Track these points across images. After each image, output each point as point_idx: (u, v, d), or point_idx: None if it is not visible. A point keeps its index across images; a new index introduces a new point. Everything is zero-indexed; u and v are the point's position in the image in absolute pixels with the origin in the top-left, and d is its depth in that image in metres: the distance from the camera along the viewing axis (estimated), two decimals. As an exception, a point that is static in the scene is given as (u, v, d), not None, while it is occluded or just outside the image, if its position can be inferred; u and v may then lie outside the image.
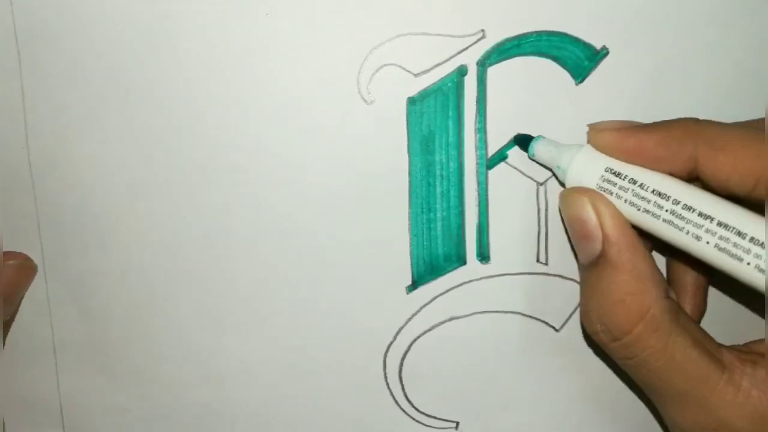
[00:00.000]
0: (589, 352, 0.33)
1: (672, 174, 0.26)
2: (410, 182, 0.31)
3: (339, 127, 0.30)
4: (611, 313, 0.26)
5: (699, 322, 0.32)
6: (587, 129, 0.28)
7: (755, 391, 0.24)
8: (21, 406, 0.33)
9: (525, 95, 0.30)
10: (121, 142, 0.30)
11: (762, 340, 0.26)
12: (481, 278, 0.32)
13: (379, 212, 0.31)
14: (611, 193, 0.27)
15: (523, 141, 0.30)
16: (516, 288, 0.32)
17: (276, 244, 0.31)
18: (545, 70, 0.30)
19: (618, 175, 0.27)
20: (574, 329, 0.33)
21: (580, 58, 0.30)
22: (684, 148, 0.26)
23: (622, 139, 0.27)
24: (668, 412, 0.27)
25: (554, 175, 0.30)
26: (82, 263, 0.32)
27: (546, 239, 0.32)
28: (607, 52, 0.30)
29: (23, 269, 0.31)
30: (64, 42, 0.29)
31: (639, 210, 0.26)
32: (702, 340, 0.26)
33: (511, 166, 0.31)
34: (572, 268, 0.32)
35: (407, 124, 0.30)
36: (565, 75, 0.30)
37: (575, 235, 0.27)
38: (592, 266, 0.27)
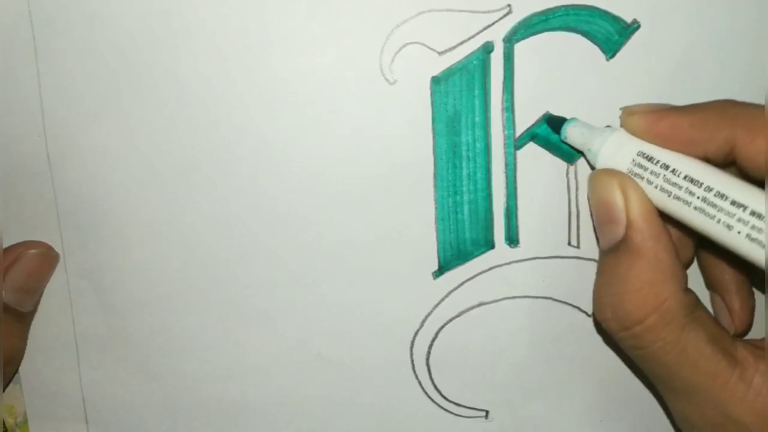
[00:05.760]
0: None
1: (707, 158, 0.26)
2: (435, 164, 0.30)
3: (361, 109, 0.29)
4: (625, 300, 0.25)
5: (751, 319, 0.31)
6: (620, 112, 0.28)
7: (767, 388, 0.24)
8: (43, 400, 0.33)
9: (554, 72, 0.30)
10: (140, 132, 0.30)
11: None
12: (510, 262, 0.31)
13: (404, 196, 0.30)
14: (642, 178, 0.26)
15: (555, 123, 0.29)
16: (546, 272, 0.32)
17: (299, 230, 0.31)
18: (574, 45, 0.29)
19: (650, 159, 0.26)
20: None
21: (610, 33, 0.29)
22: (720, 131, 0.25)
23: (654, 121, 0.26)
24: (675, 405, 0.26)
25: (585, 158, 0.30)
26: (102, 254, 0.31)
27: (577, 221, 0.31)
28: (639, 26, 0.29)
29: (46, 258, 0.31)
30: (80, 30, 0.29)
31: (670, 196, 0.25)
32: (717, 335, 0.25)
33: (539, 145, 0.30)
34: (604, 251, 0.31)
35: (432, 104, 0.30)
36: (595, 50, 0.30)
37: (600, 218, 0.27)
38: (612, 251, 0.26)
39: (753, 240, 0.23)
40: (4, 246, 0.30)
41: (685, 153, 0.26)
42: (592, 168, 0.28)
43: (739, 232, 0.24)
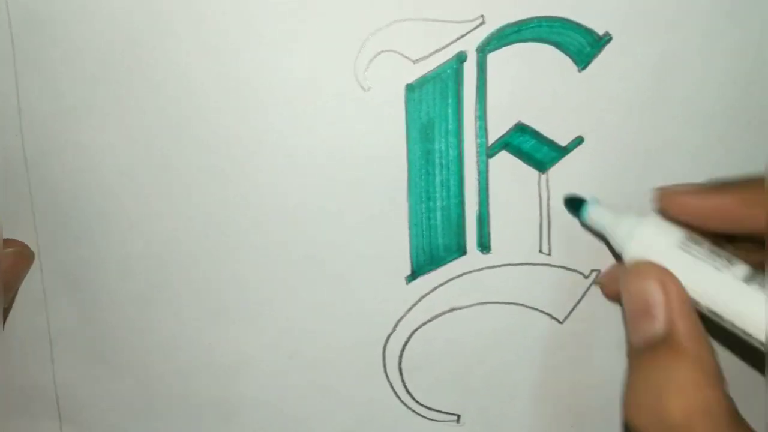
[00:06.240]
0: (593, 345, 0.33)
1: (752, 236, 0.25)
2: (409, 171, 0.31)
3: (336, 115, 0.30)
4: (668, 402, 0.24)
5: None
6: (653, 193, 0.28)
7: None
8: (16, 396, 0.33)
9: (526, 82, 0.30)
10: (117, 130, 0.30)
11: None
12: (482, 268, 0.32)
13: (378, 201, 0.31)
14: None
15: (574, 203, 0.30)
16: (518, 279, 0.32)
17: (274, 234, 0.31)
18: (547, 56, 0.30)
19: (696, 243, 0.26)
20: (577, 321, 0.33)
21: (582, 44, 0.30)
22: (765, 206, 0.25)
23: (701, 200, 0.26)
24: None
25: (606, 242, 0.30)
26: (78, 252, 0.32)
27: (548, 229, 0.32)
28: (610, 38, 0.30)
29: (21, 256, 0.31)
30: (58, 29, 0.29)
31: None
32: None
33: (512, 154, 0.31)
34: (576, 259, 0.32)
35: (406, 111, 0.30)
36: (567, 61, 0.30)
37: (637, 311, 0.26)
38: (648, 350, 0.25)
39: None
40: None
41: (731, 231, 0.25)
42: (612, 250, 0.28)
43: None
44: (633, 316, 0.26)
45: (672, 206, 0.27)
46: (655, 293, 0.25)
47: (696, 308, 0.26)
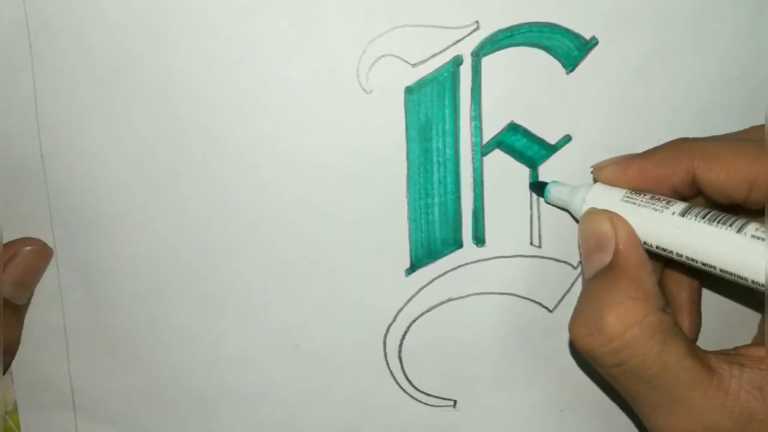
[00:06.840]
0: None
1: (675, 192, 0.28)
2: (408, 169, 0.32)
3: (339, 116, 0.31)
4: (606, 315, 0.26)
5: (696, 336, 0.33)
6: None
7: (743, 393, 0.25)
8: (33, 389, 0.34)
9: (518, 84, 0.31)
10: (130, 132, 0.31)
11: (751, 346, 0.27)
12: (477, 261, 0.33)
13: (379, 198, 0.32)
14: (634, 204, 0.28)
15: (538, 187, 0.32)
16: (510, 270, 0.33)
17: (278, 230, 0.32)
18: (537, 59, 0.31)
19: (638, 194, 0.29)
20: (567, 310, 0.33)
21: (570, 48, 0.31)
22: (680, 164, 0.27)
23: (623, 169, 0.29)
24: (654, 420, 0.26)
25: (570, 213, 0.32)
26: (92, 251, 0.32)
27: (539, 223, 0.33)
28: (596, 42, 0.31)
29: (40, 254, 0.32)
30: (75, 33, 0.30)
31: (657, 210, 0.28)
32: (693, 348, 0.26)
33: (505, 152, 0.32)
34: (565, 251, 0.33)
35: (405, 112, 0.31)
36: (556, 64, 0.31)
37: (590, 248, 0.28)
38: (595, 277, 0.27)
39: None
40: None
41: (655, 191, 0.28)
42: (576, 221, 0.30)
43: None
44: (587, 253, 0.28)
45: (602, 178, 0.29)
46: (606, 230, 0.28)
47: (645, 247, 0.28)
